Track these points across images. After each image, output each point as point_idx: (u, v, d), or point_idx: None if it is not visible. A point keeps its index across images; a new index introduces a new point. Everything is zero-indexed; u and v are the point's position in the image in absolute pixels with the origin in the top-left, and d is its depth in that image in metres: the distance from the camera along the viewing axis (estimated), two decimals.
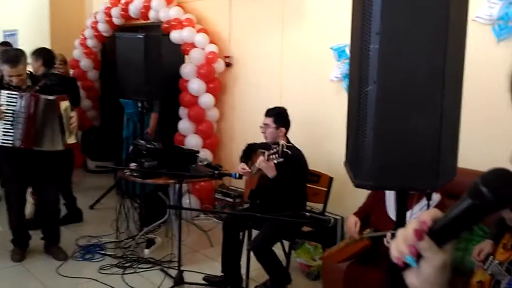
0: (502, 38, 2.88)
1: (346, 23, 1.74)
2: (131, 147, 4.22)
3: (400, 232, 0.80)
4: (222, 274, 3.51)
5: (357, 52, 1.47)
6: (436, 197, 2.73)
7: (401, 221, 1.66)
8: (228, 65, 5.00)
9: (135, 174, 3.75)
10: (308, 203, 3.59)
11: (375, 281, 2.61)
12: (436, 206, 2.71)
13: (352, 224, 2.82)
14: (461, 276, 2.74)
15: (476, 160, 3.10)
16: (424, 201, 2.66)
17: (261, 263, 3.25)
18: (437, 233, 0.76)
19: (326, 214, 3.74)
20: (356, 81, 1.51)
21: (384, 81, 1.41)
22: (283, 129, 3.45)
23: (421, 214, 0.80)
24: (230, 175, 3.42)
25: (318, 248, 3.77)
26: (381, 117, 1.45)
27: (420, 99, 1.41)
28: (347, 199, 3.71)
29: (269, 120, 3.46)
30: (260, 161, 3.14)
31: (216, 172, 3.60)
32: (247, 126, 4.72)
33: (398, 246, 0.78)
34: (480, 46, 2.95)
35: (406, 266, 0.78)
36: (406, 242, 0.77)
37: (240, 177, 3.42)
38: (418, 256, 0.77)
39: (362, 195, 3.16)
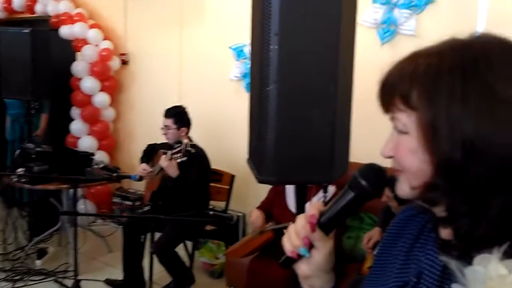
0: (385, 41, 3.13)
1: (245, 22, 1.78)
2: (17, 151, 3.89)
3: (291, 227, 0.86)
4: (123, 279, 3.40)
5: (258, 52, 1.51)
6: (331, 189, 2.90)
7: (300, 213, 1.74)
8: (124, 62, 4.82)
9: (23, 180, 3.47)
10: (211, 202, 3.61)
11: (278, 273, 2.70)
12: (332, 197, 2.88)
13: (255, 218, 2.89)
14: (354, 263, 2.95)
15: (363, 155, 3.35)
16: (321, 193, 2.82)
17: (164, 266, 3.20)
18: (326, 224, 0.84)
19: (229, 212, 3.79)
20: (257, 80, 1.55)
21: (284, 81, 1.46)
22: (184, 129, 3.42)
23: (308, 208, 0.86)
24: (129, 177, 3.31)
25: (221, 246, 3.80)
26: (281, 115, 1.50)
27: (316, 98, 1.49)
28: (249, 196, 3.78)
29: (169, 121, 3.40)
30: (163, 160, 3.08)
31: (114, 174, 3.46)
32: (147, 125, 4.59)
33: (291, 239, 0.84)
34: (366, 48, 3.19)
35: (299, 257, 0.84)
36: (299, 235, 0.83)
37: (140, 179, 3.33)
38: (310, 247, 0.83)
39: (264, 191, 3.25)
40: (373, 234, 2.65)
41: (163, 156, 3.09)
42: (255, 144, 1.64)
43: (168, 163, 3.06)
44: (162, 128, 3.43)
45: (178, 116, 3.44)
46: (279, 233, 2.80)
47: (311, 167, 1.52)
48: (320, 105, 1.50)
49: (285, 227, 2.45)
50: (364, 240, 2.65)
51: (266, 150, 1.53)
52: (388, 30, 3.08)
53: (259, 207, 3.02)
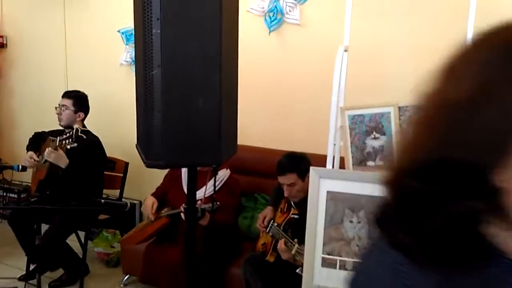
0: (273, 29, 3.26)
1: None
2: None
3: None
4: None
5: (141, 36, 1.51)
6: (226, 172, 2.98)
7: (192, 195, 1.78)
8: (1, 46, 4.45)
9: None
10: (105, 191, 3.50)
11: (174, 258, 2.73)
12: (227, 180, 2.96)
13: (149, 204, 2.88)
14: (249, 241, 3.08)
15: (257, 137, 3.49)
16: (216, 176, 2.89)
17: (54, 258, 3.07)
18: None
19: (124, 199, 3.71)
20: (142, 64, 1.55)
21: (168, 65, 1.49)
22: (81, 114, 3.28)
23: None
24: (11, 167, 3.09)
25: (117, 235, 3.72)
26: (167, 99, 1.52)
27: (200, 82, 1.53)
28: (144, 183, 3.74)
29: (68, 102, 3.24)
30: (49, 152, 2.93)
31: None
32: (31, 113, 4.31)
33: None
34: (255, 35, 3.30)
35: None
36: None
37: (24, 169, 3.12)
38: None
39: (159, 177, 3.24)
40: (266, 213, 2.78)
41: (48, 149, 2.94)
42: (142, 129, 1.65)
43: (54, 155, 2.92)
44: (57, 107, 3.25)
45: (79, 99, 3.29)
46: (174, 218, 2.82)
47: (199, 149, 1.57)
48: (205, 93, 1.55)
49: (180, 212, 2.48)
50: (259, 219, 2.77)
51: (153, 134, 1.54)
52: (275, 18, 3.21)
53: (153, 194, 3.01)
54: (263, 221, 2.75)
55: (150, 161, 1.55)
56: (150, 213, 2.83)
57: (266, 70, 3.25)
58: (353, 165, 1.54)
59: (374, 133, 1.51)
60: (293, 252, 2.30)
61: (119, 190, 3.51)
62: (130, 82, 3.94)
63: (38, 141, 3.36)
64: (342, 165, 1.60)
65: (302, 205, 2.59)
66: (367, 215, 1.39)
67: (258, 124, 3.51)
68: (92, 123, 3.51)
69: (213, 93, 1.56)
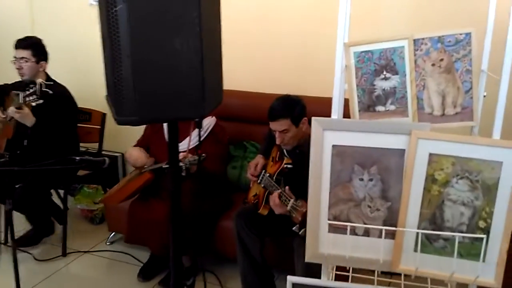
0: None
1: None
2: None
3: None
4: None
5: None
6: (211, 120, 2.74)
7: (173, 151, 1.56)
8: None
9: None
10: (82, 144, 3.26)
11: (160, 215, 2.55)
12: (213, 129, 2.73)
13: (136, 156, 2.65)
14: (240, 192, 2.90)
15: (244, 82, 3.23)
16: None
17: (28, 217, 2.89)
18: None
19: (104, 153, 3.49)
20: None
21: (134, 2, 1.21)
22: (43, 63, 2.95)
23: None
24: None
25: (99, 191, 3.52)
26: (136, 41, 1.25)
27: (176, 19, 1.26)
28: (124, 135, 3.49)
29: (26, 53, 2.90)
30: (13, 112, 2.66)
31: None
32: None
33: None
34: None
35: None
36: None
37: None
38: None
39: (140, 128, 3.00)
40: (257, 161, 2.58)
41: (11, 107, 2.66)
42: (110, 78, 1.38)
43: (19, 115, 2.65)
44: (15, 62, 2.93)
45: (37, 47, 2.95)
46: (158, 173, 2.61)
47: (179, 102, 1.32)
48: (183, 32, 1.28)
49: (163, 166, 2.22)
50: (250, 169, 2.57)
51: (122, 85, 1.29)
52: None
53: (135, 145, 2.78)
54: (254, 170, 2.55)
55: (122, 117, 1.30)
56: (141, 164, 2.60)
57: (250, 12, 2.95)
58: (359, 111, 1.31)
59: (384, 72, 1.27)
60: (288, 207, 2.12)
61: (98, 143, 3.27)
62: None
63: (1, 95, 3.06)
64: (345, 112, 1.37)
65: (295, 153, 2.39)
66: (381, 171, 1.18)
67: (245, 68, 3.24)
68: (59, 71, 3.19)
69: (192, 32, 1.30)
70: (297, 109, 2.30)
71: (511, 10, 1.06)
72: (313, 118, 1.22)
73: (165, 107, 1.32)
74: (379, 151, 1.15)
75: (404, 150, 1.15)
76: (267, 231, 2.43)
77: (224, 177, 2.93)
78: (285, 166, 2.37)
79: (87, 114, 3.26)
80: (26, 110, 2.69)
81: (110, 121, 3.26)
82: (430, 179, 1.14)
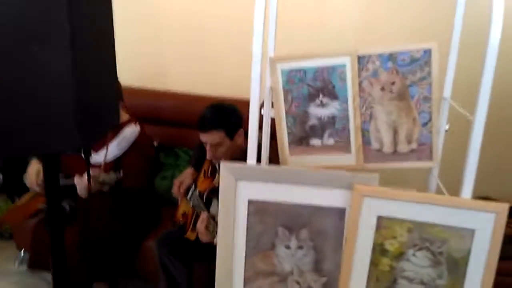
0: None
1: None
2: None
3: None
4: None
5: None
6: (134, 129, 2.35)
7: (52, 191, 1.20)
8: None
9: None
10: None
11: (69, 237, 2.16)
12: (137, 139, 2.35)
13: (32, 173, 2.21)
14: (170, 205, 2.56)
15: (177, 81, 2.87)
16: (121, 135, 2.27)
17: None
18: None
19: None
20: None
21: None
22: None
23: None
24: None
25: (8, 202, 3.07)
26: None
27: (32, 20, 0.90)
28: None
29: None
30: None
31: None
32: None
33: None
34: None
35: None
36: None
37: None
38: None
39: None
40: (184, 177, 2.24)
41: None
42: None
43: None
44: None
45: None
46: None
47: (39, 131, 0.97)
48: (46, 36, 0.92)
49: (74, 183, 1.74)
50: (174, 185, 2.22)
51: None
52: None
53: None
54: (178, 189, 2.21)
55: None
56: (34, 184, 2.19)
57: (184, 6, 2.58)
58: (289, 144, 1.00)
59: (320, 96, 0.97)
60: (216, 237, 1.81)
61: None
62: None
63: None
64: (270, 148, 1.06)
65: None
66: (313, 235, 0.88)
67: (178, 67, 2.88)
68: None
69: (59, 38, 0.94)
70: (233, 119, 1.97)
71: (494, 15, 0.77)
72: (222, 163, 0.89)
73: (16, 138, 0.96)
74: (311, 209, 0.84)
75: (344, 209, 0.85)
76: (196, 256, 2.11)
77: (149, 191, 2.57)
78: (217, 184, 2.05)
79: None
80: None
81: None
82: (379, 250, 0.84)
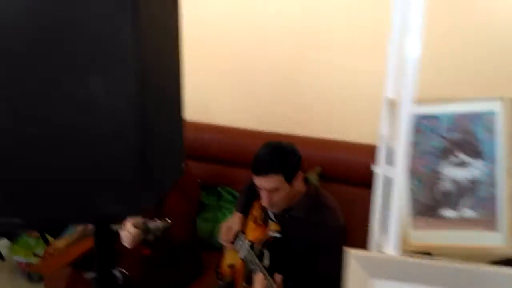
0: None
1: None
2: None
3: None
4: None
5: None
6: None
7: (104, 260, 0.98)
8: None
9: None
10: None
11: None
12: (181, 180, 2.12)
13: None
14: (213, 251, 2.31)
15: (222, 114, 2.67)
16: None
17: None
18: None
19: None
20: None
21: None
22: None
23: None
24: None
25: (40, 240, 2.88)
26: (8, 78, 0.69)
27: (91, 42, 0.69)
28: None
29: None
30: None
31: None
32: None
33: None
34: None
35: None
36: None
37: None
38: None
39: None
40: (232, 222, 2.00)
41: None
42: None
43: None
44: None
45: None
46: None
47: (94, 192, 0.74)
48: (105, 68, 0.71)
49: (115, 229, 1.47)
50: (222, 231, 1.98)
51: None
52: None
53: None
54: (227, 235, 1.97)
55: None
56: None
57: (233, 32, 2.39)
58: (414, 216, 0.75)
59: (458, 153, 0.72)
60: None
61: None
62: None
63: None
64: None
65: (284, 218, 1.81)
66: None
67: (224, 99, 2.68)
68: None
69: (123, 68, 0.73)
70: (292, 161, 1.73)
71: None
72: (347, 250, 0.65)
73: (63, 200, 0.74)
74: None
75: None
76: None
77: (193, 237, 2.32)
78: (271, 235, 1.80)
79: None
80: None
81: None
82: None
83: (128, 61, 0.72)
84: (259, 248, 1.80)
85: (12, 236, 2.73)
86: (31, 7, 0.66)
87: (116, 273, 0.97)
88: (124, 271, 1.15)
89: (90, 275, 0.99)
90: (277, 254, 1.76)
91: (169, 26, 0.86)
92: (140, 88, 0.73)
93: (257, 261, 1.75)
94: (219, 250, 2.16)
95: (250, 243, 1.85)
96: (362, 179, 2.14)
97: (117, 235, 1.81)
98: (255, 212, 1.99)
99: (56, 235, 2.78)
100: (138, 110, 0.74)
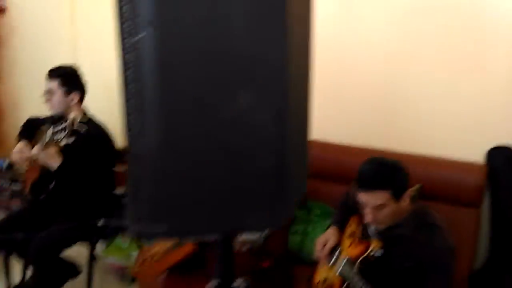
0: None
1: None
2: None
3: None
4: None
5: None
6: None
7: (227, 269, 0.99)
8: (1, 10, 3.73)
9: None
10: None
11: None
12: None
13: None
14: (303, 265, 2.29)
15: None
16: None
17: (42, 273, 2.39)
18: None
19: None
20: (119, 24, 0.73)
21: (169, 22, 0.67)
22: (75, 95, 2.50)
23: None
24: None
25: (133, 243, 3.00)
26: (168, 95, 0.72)
27: (242, 61, 0.71)
28: None
29: (54, 84, 2.48)
30: (37, 151, 2.22)
31: None
32: (35, 89, 3.56)
33: None
34: None
35: None
36: None
37: (10, 166, 2.43)
38: None
39: None
40: (328, 236, 1.96)
41: (36, 147, 2.23)
42: (127, 152, 0.85)
43: (43, 156, 2.21)
44: (44, 95, 2.51)
45: (67, 77, 2.51)
46: (203, 245, 2.03)
47: (237, 204, 0.76)
48: (254, 82, 0.73)
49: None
50: (318, 245, 1.95)
51: (142, 167, 0.74)
52: None
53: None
54: (322, 250, 1.93)
55: (136, 225, 0.75)
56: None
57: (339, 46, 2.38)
58: None
59: None
60: None
61: None
62: None
63: (32, 129, 2.63)
64: None
65: (387, 236, 1.75)
66: None
67: (317, 114, 2.66)
68: (101, 104, 2.73)
69: (272, 82, 0.74)
70: (401, 178, 1.67)
71: None
72: None
73: (212, 212, 0.75)
74: None
75: None
76: None
77: (284, 245, 2.32)
78: (373, 253, 1.74)
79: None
80: (52, 150, 2.24)
81: None
82: None
83: (277, 79, 0.73)
84: (358, 265, 1.75)
85: (106, 238, 2.87)
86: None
87: (241, 283, 0.98)
88: (249, 281, 1.15)
89: (212, 284, 1.01)
90: (378, 273, 1.70)
91: (306, 47, 0.87)
92: (285, 104, 0.74)
93: (356, 278, 1.70)
94: (308, 263, 2.14)
95: (348, 259, 1.81)
96: (463, 199, 2.05)
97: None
98: (352, 226, 1.95)
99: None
100: (282, 126, 0.75)
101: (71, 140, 2.16)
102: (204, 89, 0.71)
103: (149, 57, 0.69)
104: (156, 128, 0.71)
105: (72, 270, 2.61)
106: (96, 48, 3.34)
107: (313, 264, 2.18)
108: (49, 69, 2.58)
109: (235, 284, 1.02)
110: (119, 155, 2.69)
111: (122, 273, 2.93)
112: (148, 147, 0.71)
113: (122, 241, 3.02)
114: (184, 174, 0.72)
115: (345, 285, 1.78)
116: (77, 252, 2.58)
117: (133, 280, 2.90)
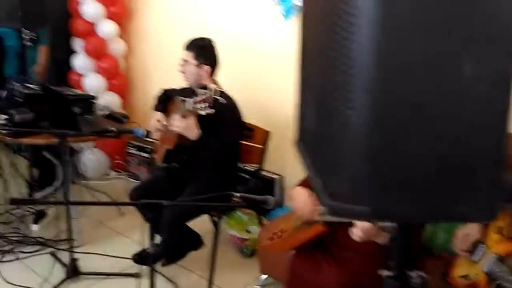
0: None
1: None
2: (4, 92, 3.15)
3: None
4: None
5: None
6: None
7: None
8: None
9: (3, 131, 2.73)
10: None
11: (331, 281, 1.90)
12: None
13: (305, 201, 1.93)
14: (433, 257, 2.15)
15: None
16: None
17: (171, 239, 2.51)
18: None
19: (264, 173, 3.05)
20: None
21: None
22: (207, 68, 2.56)
23: None
24: (131, 132, 2.52)
25: (253, 218, 3.05)
26: (387, 64, 0.65)
27: (465, 21, 0.62)
28: (288, 157, 2.96)
29: (189, 55, 2.56)
30: (177, 121, 2.31)
31: (113, 129, 2.67)
32: (165, 61, 3.72)
33: None
34: None
35: None
36: None
37: (147, 135, 2.56)
38: None
39: None
40: (471, 230, 1.80)
41: (176, 117, 2.32)
42: (315, 126, 0.80)
43: (184, 125, 2.29)
44: (180, 64, 2.61)
45: (202, 50, 2.58)
46: (334, 226, 1.95)
47: (458, 187, 0.67)
48: (476, 48, 0.64)
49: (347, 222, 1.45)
50: (457, 237, 1.81)
51: (348, 145, 0.68)
52: None
53: (303, 183, 2.03)
54: (463, 242, 1.78)
55: (337, 202, 0.70)
56: (310, 214, 1.91)
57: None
58: None
59: None
60: None
61: (257, 164, 2.79)
62: (277, 28, 3.16)
63: (167, 100, 2.75)
64: None
65: None
66: None
67: None
68: (226, 78, 2.77)
69: (494, 48, 0.65)
70: None
71: None
72: None
73: (418, 197, 0.68)
74: None
75: None
76: None
77: (417, 236, 2.18)
78: None
79: (250, 131, 2.79)
80: (191, 120, 2.31)
81: (272, 140, 2.76)
82: None
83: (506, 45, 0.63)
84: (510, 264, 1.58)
85: (227, 211, 2.94)
86: None
87: (414, 275, 0.90)
88: (424, 275, 1.07)
89: (385, 273, 0.94)
90: None
91: None
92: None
93: (509, 278, 1.54)
94: (438, 257, 1.99)
95: (497, 257, 1.64)
96: None
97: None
98: (500, 222, 1.76)
99: (264, 214, 2.92)
100: (506, 99, 0.65)
101: (212, 110, 2.21)
102: (427, 53, 0.63)
103: (368, 27, 0.62)
104: (369, 97, 0.64)
105: (196, 241, 2.71)
106: (224, 21, 3.38)
107: (443, 258, 2.04)
108: (179, 40, 2.66)
109: (411, 274, 0.94)
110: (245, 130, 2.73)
111: (241, 247, 2.99)
112: (356, 122, 0.65)
113: (243, 215, 3.08)
114: (394, 154, 0.65)
115: (494, 284, 1.63)
116: (199, 223, 2.66)
117: (251, 254, 2.95)
